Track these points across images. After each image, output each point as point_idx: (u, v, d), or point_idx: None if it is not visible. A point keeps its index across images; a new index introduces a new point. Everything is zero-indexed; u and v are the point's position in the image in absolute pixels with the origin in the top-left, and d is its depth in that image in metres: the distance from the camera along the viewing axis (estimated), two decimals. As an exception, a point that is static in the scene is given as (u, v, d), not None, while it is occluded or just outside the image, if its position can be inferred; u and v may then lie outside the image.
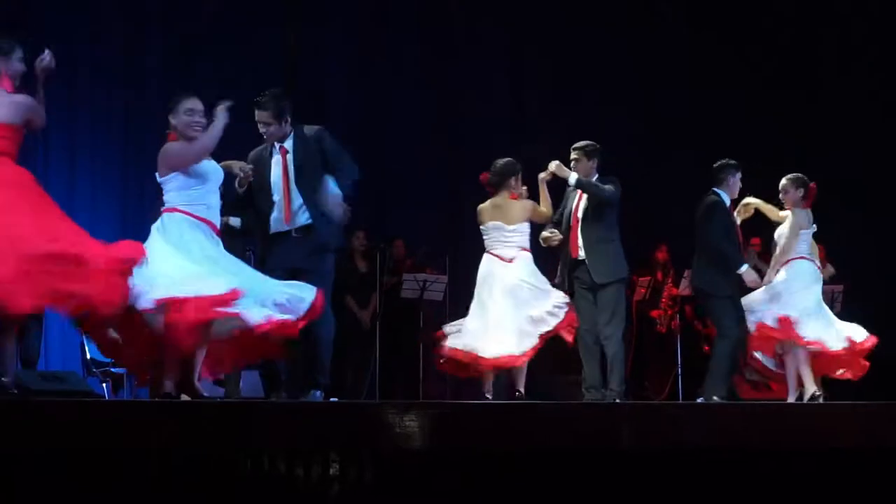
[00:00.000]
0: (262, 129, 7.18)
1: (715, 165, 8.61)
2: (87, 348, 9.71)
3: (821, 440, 6.01)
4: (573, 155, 8.52)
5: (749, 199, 8.68)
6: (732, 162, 8.61)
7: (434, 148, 12.07)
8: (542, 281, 8.18)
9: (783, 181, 8.64)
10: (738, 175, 8.59)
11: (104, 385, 9.43)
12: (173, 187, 6.49)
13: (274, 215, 7.16)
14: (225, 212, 6.83)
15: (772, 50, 12.32)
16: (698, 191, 8.67)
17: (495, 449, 5.52)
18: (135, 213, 10.71)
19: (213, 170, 6.59)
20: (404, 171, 11.68)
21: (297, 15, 11.64)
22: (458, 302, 11.05)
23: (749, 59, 12.25)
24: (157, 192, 6.64)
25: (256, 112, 7.16)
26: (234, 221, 7.57)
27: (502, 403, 7.52)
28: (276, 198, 7.16)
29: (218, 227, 6.58)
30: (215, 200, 6.60)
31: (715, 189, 8.54)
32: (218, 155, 6.66)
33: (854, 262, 10.48)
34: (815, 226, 8.65)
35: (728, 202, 8.54)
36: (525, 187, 8.29)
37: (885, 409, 6.42)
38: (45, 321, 9.62)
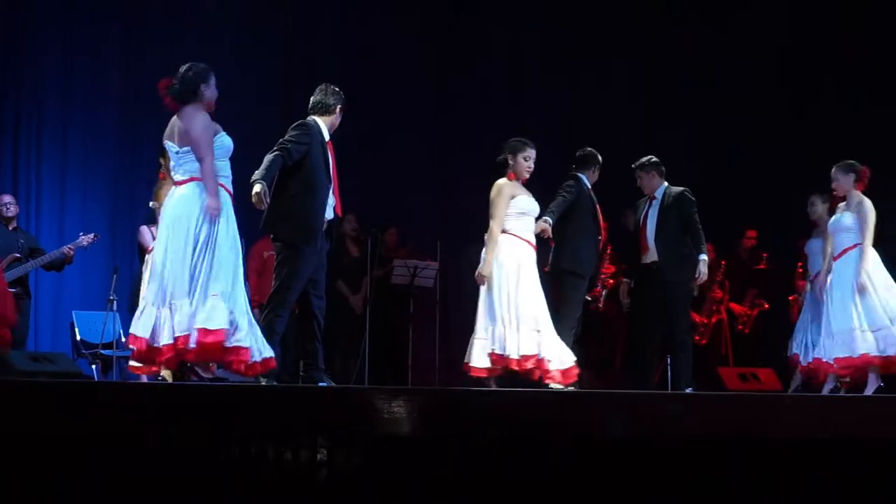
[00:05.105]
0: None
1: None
2: (76, 329, 9.71)
3: (804, 429, 6.04)
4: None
5: None
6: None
7: (425, 134, 12.06)
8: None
9: (833, 170, 8.61)
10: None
11: (93, 367, 9.42)
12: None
13: None
14: None
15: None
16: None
17: (483, 436, 5.53)
18: (126, 199, 10.72)
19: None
20: (395, 156, 11.65)
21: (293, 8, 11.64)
22: (449, 288, 11.09)
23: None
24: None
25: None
26: None
27: (490, 391, 7.53)
28: None
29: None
30: None
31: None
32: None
33: None
34: None
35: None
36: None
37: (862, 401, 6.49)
38: (35, 301, 9.62)
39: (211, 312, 6.43)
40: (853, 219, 8.40)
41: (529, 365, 7.80)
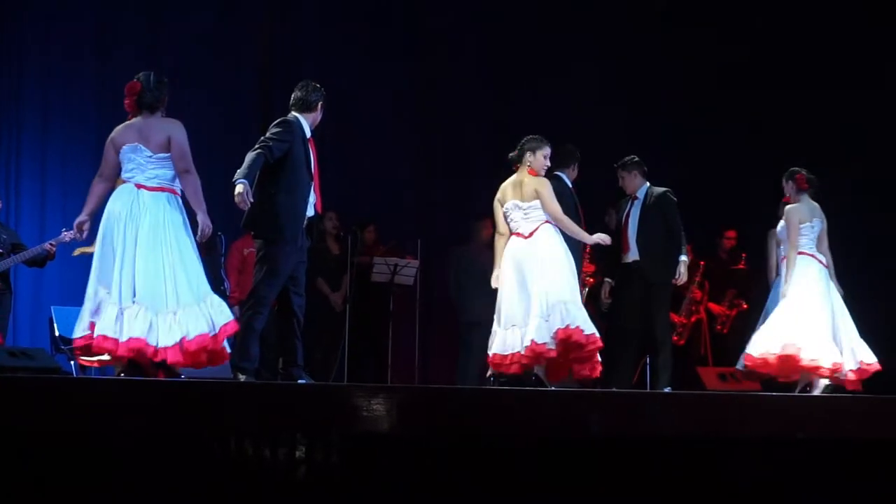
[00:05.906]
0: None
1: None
2: (55, 325, 9.67)
3: (782, 429, 6.07)
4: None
5: None
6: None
7: (408, 131, 12.05)
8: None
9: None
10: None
11: (72, 363, 9.39)
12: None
13: None
14: None
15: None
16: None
17: (462, 433, 5.54)
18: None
19: None
20: (377, 153, 11.64)
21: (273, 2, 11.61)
22: (430, 287, 11.09)
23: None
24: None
25: None
26: None
27: (470, 388, 7.55)
28: None
29: None
30: None
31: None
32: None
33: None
34: (817, 220, 8.59)
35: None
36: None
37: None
38: (14, 296, 9.58)
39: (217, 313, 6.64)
40: (784, 230, 8.59)
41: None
